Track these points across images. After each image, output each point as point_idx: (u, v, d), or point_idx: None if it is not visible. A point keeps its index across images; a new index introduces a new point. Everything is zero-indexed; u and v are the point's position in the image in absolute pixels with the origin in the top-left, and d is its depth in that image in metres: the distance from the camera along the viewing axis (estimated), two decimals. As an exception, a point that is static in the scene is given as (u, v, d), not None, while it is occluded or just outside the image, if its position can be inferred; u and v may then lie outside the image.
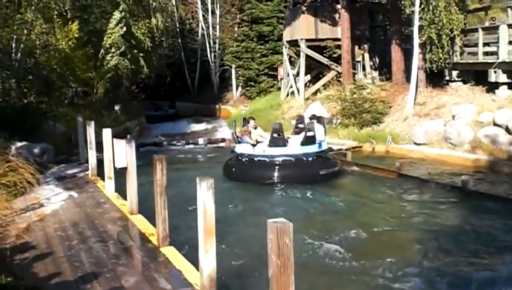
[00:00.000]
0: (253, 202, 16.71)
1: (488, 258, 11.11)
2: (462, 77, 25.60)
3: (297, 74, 34.82)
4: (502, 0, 28.07)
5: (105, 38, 30.36)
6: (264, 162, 18.89)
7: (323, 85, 34.18)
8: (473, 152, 20.94)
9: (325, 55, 33.67)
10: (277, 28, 41.26)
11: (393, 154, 23.37)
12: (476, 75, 24.61)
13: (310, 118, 20.44)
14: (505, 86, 22.53)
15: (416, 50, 25.56)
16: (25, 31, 23.04)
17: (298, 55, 34.76)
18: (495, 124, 21.05)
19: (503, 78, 22.45)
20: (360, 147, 25.08)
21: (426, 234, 12.83)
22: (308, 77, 35.60)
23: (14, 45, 22.80)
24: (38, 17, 23.84)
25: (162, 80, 55.77)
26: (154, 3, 37.73)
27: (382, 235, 12.91)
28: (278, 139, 19.10)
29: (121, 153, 12.60)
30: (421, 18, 24.84)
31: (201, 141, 28.73)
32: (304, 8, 33.30)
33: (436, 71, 25.63)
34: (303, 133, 19.36)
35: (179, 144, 28.39)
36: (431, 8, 24.17)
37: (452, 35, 24.79)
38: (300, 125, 20.14)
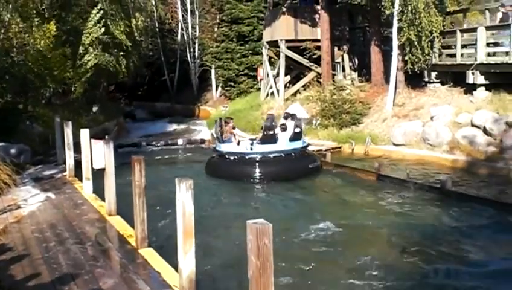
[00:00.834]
0: (236, 199, 16.91)
1: (459, 255, 11.31)
2: (440, 78, 25.77)
3: (277, 74, 34.84)
4: (480, 3, 28.29)
5: (83, 38, 30.12)
6: (255, 159, 19.24)
7: (303, 86, 34.22)
8: (451, 153, 21.05)
9: (304, 56, 33.69)
10: (257, 29, 41.22)
11: (372, 155, 23.41)
12: (454, 77, 24.78)
13: (285, 117, 20.91)
14: (483, 88, 22.69)
15: (395, 51, 25.66)
16: (2, 30, 22.82)
17: (278, 56, 34.76)
18: (473, 125, 21.19)
19: (480, 79, 22.60)
20: (340, 147, 25.10)
21: (400, 231, 12.93)
22: (288, 77, 35.61)
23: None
24: (15, 16, 23.62)
25: (141, 80, 55.55)
26: (133, 3, 37.57)
27: (357, 232, 13.02)
28: (271, 136, 19.37)
29: (99, 153, 12.54)
30: (400, 20, 24.93)
31: (180, 141, 28.65)
32: (284, 9, 33.32)
33: (415, 72, 25.76)
34: (288, 130, 19.86)
35: (158, 144, 28.24)
36: (410, 9, 24.27)
37: (432, 37, 24.91)
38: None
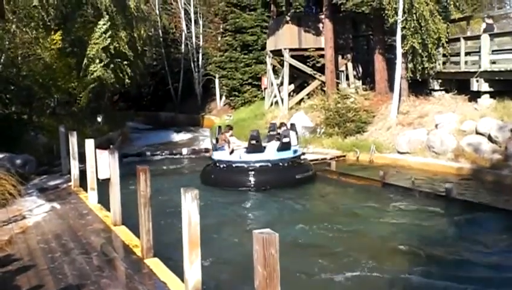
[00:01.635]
0: (231, 208, 16.84)
1: (464, 263, 11.28)
2: (444, 86, 25.73)
3: (281, 83, 34.83)
4: (483, 10, 28.29)
5: (89, 49, 30.15)
6: (242, 168, 19.48)
7: (307, 94, 34.22)
8: (456, 160, 21.01)
9: (308, 64, 33.72)
10: (261, 38, 41.26)
11: (377, 163, 23.40)
12: (459, 84, 24.74)
13: (279, 127, 21.35)
14: (487, 95, 22.66)
15: (399, 59, 25.64)
16: (7, 41, 22.88)
17: (282, 65, 34.81)
18: (477, 133, 21.16)
19: (485, 87, 22.57)
20: (344, 156, 25.10)
21: (404, 239, 12.86)
22: (292, 86, 35.62)
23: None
24: (21, 26, 23.70)
25: (145, 89, 55.67)
26: (137, 13, 37.63)
27: (361, 240, 12.99)
28: (256, 146, 19.65)
29: (104, 164, 12.53)
30: (404, 28, 24.92)
31: (185, 151, 28.62)
32: (288, 18, 33.36)
33: (419, 80, 25.75)
34: (274, 140, 20.28)
35: (163, 154, 28.23)
36: (415, 17, 24.27)
37: (437, 44, 24.90)
38: (273, 133, 20.89)
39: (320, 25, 32.53)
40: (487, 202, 15.64)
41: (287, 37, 33.34)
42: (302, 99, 34.35)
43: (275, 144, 20.01)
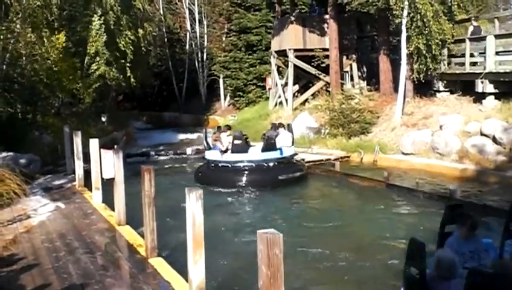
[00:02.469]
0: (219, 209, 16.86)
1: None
2: (449, 87, 25.67)
3: (286, 83, 34.86)
4: (488, 11, 28.24)
5: (88, 47, 30.13)
6: (227, 168, 19.90)
7: (312, 95, 34.24)
8: (461, 162, 20.98)
9: (313, 65, 33.72)
10: (265, 38, 41.27)
11: (381, 164, 23.38)
12: (463, 85, 24.67)
13: (277, 126, 21.35)
14: (492, 96, 22.60)
15: (404, 60, 25.62)
16: (11, 41, 22.90)
17: (286, 65, 34.82)
18: (482, 134, 21.13)
19: (490, 88, 22.51)
20: (348, 157, 25.08)
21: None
22: (297, 86, 35.62)
23: (0, 54, 22.66)
24: (25, 26, 23.71)
25: (150, 89, 55.69)
26: (142, 13, 37.64)
27: (364, 241, 13.00)
28: (239, 146, 19.98)
29: (109, 163, 12.56)
30: (408, 28, 24.90)
31: (189, 151, 28.62)
32: (292, 18, 33.37)
33: (423, 81, 25.70)
34: (283, 139, 20.44)
35: (167, 154, 28.26)
36: (419, 17, 24.24)
37: (442, 45, 24.87)
38: (272, 132, 20.80)
39: (325, 26, 32.52)
40: (491, 204, 15.62)
41: (292, 37, 33.35)
42: (306, 100, 34.35)
43: (261, 144, 20.43)
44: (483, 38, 23.29)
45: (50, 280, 8.76)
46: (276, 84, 35.94)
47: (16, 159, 18.36)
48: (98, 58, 30.50)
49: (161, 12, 54.51)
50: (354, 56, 33.36)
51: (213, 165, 20.33)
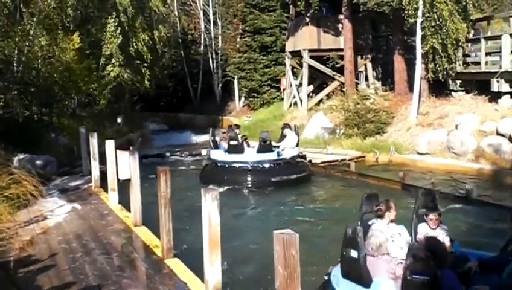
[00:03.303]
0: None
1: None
2: (464, 87, 25.57)
3: (300, 84, 34.83)
4: (503, 10, 28.09)
5: (103, 49, 30.22)
6: (225, 168, 20.30)
7: (327, 95, 34.20)
8: (476, 161, 20.90)
9: (327, 65, 33.69)
10: (279, 39, 41.19)
11: (396, 164, 23.33)
12: (479, 85, 24.57)
13: (283, 127, 21.69)
14: (508, 96, 22.52)
15: (419, 60, 25.55)
16: (27, 43, 23.02)
17: (301, 66, 34.79)
18: (498, 134, 21.03)
19: (505, 87, 22.43)
20: (364, 157, 25.07)
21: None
22: (311, 87, 35.60)
23: (15, 56, 22.78)
24: (40, 28, 23.82)
25: (164, 91, 55.84)
26: (156, 15, 37.72)
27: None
28: (235, 146, 20.26)
29: (124, 164, 12.60)
30: (423, 28, 24.82)
31: (204, 152, 28.59)
32: (307, 19, 33.34)
33: (439, 81, 25.61)
34: (287, 138, 20.82)
35: (182, 155, 28.30)
36: (435, 17, 24.15)
37: (457, 45, 24.76)
38: (262, 135, 20.88)
39: (340, 26, 32.46)
40: (508, 204, 15.53)
41: (306, 37, 33.33)
42: (321, 100, 34.33)
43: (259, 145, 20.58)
44: (499, 37, 23.19)
45: (67, 280, 8.80)
46: (291, 85, 35.91)
47: (32, 160, 18.44)
48: (113, 60, 30.58)
49: (176, 13, 54.62)
50: (368, 56, 33.28)
51: (214, 164, 20.83)
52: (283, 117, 34.60)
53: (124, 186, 13.40)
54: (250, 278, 10.67)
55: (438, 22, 24.29)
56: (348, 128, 27.56)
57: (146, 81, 35.46)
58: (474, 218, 14.65)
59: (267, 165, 20.01)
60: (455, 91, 25.90)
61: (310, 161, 22.95)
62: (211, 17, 52.59)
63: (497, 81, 22.60)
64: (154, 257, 10.00)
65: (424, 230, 8.67)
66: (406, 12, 25.12)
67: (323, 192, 19.77)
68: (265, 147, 20.27)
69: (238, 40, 49.30)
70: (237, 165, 20.13)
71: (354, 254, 6.95)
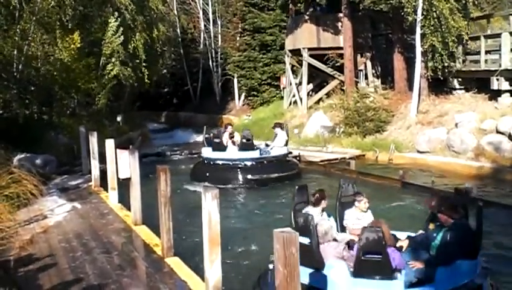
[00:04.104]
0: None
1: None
2: (464, 85, 25.55)
3: (300, 83, 34.83)
4: (503, 8, 28.07)
5: (104, 48, 30.21)
6: (209, 165, 20.85)
7: (326, 94, 34.19)
8: (476, 160, 20.90)
9: (327, 64, 33.68)
10: (279, 38, 41.14)
11: (396, 163, 23.33)
12: (479, 83, 24.55)
13: (274, 126, 21.85)
14: (508, 94, 22.51)
15: (419, 58, 25.53)
16: (26, 42, 23.01)
17: (301, 64, 34.78)
18: (498, 132, 21.02)
19: (505, 85, 22.42)
20: (363, 155, 25.08)
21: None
22: (311, 85, 35.59)
23: (15, 55, 22.78)
24: (39, 27, 23.81)
25: (164, 90, 55.84)
26: (155, 14, 37.69)
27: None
28: (218, 144, 20.70)
29: (124, 163, 12.61)
30: (423, 26, 24.81)
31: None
32: (306, 17, 33.34)
33: (439, 79, 25.60)
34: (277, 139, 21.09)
35: (182, 154, 28.29)
36: (435, 15, 24.14)
37: (458, 43, 24.75)
38: (243, 134, 21.24)
39: (339, 24, 32.40)
40: (508, 202, 15.54)
41: (306, 36, 33.32)
42: (321, 99, 34.33)
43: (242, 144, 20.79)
44: (499, 35, 23.19)
45: (67, 279, 8.82)
46: (291, 84, 35.89)
47: (32, 159, 18.46)
48: (113, 59, 30.57)
49: (175, 12, 54.60)
50: (368, 54, 33.24)
51: (203, 162, 21.43)
52: (283, 116, 34.63)
53: (124, 185, 13.40)
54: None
55: (437, 20, 24.28)
56: (347, 126, 27.57)
57: (146, 80, 35.45)
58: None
59: (248, 163, 20.21)
60: (455, 89, 25.88)
61: (299, 159, 23.39)
62: (211, 16, 52.57)
63: (497, 79, 22.57)
64: (154, 256, 10.01)
65: (353, 215, 9.52)
66: (405, 10, 25.10)
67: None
68: (246, 145, 20.48)
69: (238, 38, 49.28)
70: (220, 162, 20.53)
71: (306, 240, 7.42)
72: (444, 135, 22.98)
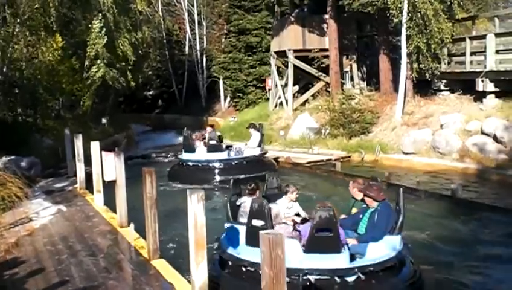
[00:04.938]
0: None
1: (468, 265, 11.19)
2: (449, 86, 25.66)
3: (286, 84, 34.80)
4: (488, 10, 28.21)
5: (88, 50, 30.07)
6: (182, 166, 21.29)
7: (312, 95, 34.18)
8: (462, 161, 21.01)
9: (313, 65, 33.70)
10: (265, 39, 41.16)
11: (382, 164, 23.41)
12: (464, 84, 24.65)
13: (248, 127, 22.11)
14: (493, 95, 22.60)
15: (404, 60, 25.61)
16: (10, 44, 22.88)
17: (286, 66, 34.76)
18: (483, 133, 21.14)
19: (490, 87, 22.50)
20: (349, 157, 25.11)
21: (408, 240, 12.84)
22: (297, 87, 35.56)
23: (-1, 57, 22.70)
24: (23, 29, 23.70)
25: (149, 92, 55.73)
26: (141, 16, 37.59)
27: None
28: (187, 145, 21.30)
29: (110, 166, 12.57)
30: (408, 27, 24.89)
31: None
32: (292, 19, 33.32)
33: (424, 80, 25.71)
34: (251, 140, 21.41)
35: (168, 156, 28.22)
36: (419, 16, 24.23)
37: (442, 45, 24.85)
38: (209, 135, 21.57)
39: (325, 26, 32.41)
40: (492, 203, 15.63)
41: (291, 38, 33.28)
42: (306, 101, 34.30)
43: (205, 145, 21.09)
44: (484, 37, 23.30)
45: (53, 282, 8.77)
46: (276, 85, 35.85)
47: (17, 162, 18.35)
48: (98, 61, 30.46)
49: (160, 14, 54.51)
50: (354, 56, 33.28)
51: (179, 163, 21.78)
52: (268, 117, 34.59)
53: (109, 187, 13.36)
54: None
55: (422, 22, 24.36)
56: (333, 128, 27.60)
57: (131, 82, 35.35)
58: (459, 217, 14.69)
59: (216, 165, 20.39)
60: (440, 91, 25.98)
61: (276, 160, 23.50)
62: (196, 18, 52.51)
63: (482, 81, 22.66)
64: (140, 258, 9.98)
65: (284, 204, 10.17)
66: (390, 12, 25.18)
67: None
68: (214, 146, 20.81)
69: (223, 40, 49.31)
70: (191, 163, 20.82)
71: (259, 223, 8.43)
72: (429, 136, 23.08)
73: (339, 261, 8.14)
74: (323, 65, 33.05)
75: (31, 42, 24.84)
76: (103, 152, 13.41)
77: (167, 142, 36.77)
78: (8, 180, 13.78)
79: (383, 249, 8.61)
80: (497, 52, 22.68)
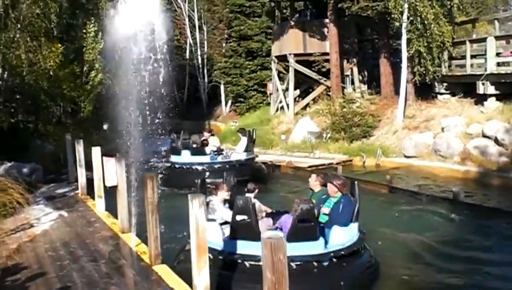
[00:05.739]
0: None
1: (469, 268, 11.13)
2: (450, 90, 25.67)
3: (287, 88, 34.83)
4: (488, 13, 28.21)
5: (86, 54, 30.03)
6: (170, 168, 21.77)
7: (313, 100, 34.20)
8: (463, 164, 20.98)
9: (313, 69, 33.71)
10: (265, 44, 41.17)
11: (383, 168, 23.37)
12: (465, 87, 24.66)
13: (239, 131, 22.63)
14: (493, 98, 22.60)
15: (405, 63, 25.64)
16: (11, 50, 22.87)
17: (287, 70, 34.78)
18: (484, 136, 21.13)
19: (491, 89, 22.52)
20: (351, 161, 25.10)
21: (411, 242, 12.82)
22: (298, 91, 35.60)
23: (0, 63, 22.65)
24: (24, 35, 23.69)
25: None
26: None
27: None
28: (174, 148, 21.90)
29: (111, 171, 12.56)
30: (409, 31, 24.91)
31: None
32: (292, 23, 33.37)
33: (425, 84, 25.71)
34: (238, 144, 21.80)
35: (163, 160, 28.18)
36: (420, 20, 24.24)
37: (443, 48, 24.86)
38: (192, 139, 22.15)
39: (325, 30, 32.46)
40: (494, 205, 15.61)
41: (292, 42, 33.33)
42: (307, 105, 34.33)
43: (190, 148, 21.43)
44: (484, 40, 23.30)
45: (54, 288, 8.75)
46: (277, 90, 35.87)
47: (19, 168, 18.33)
48: (96, 65, 30.43)
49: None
50: (354, 60, 33.31)
51: (170, 165, 22.12)
52: (270, 122, 34.61)
53: (110, 193, 13.34)
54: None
55: (422, 25, 24.37)
56: (334, 132, 27.60)
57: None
58: (461, 220, 14.67)
59: (199, 168, 20.45)
60: (441, 94, 25.99)
61: (274, 165, 24.24)
62: (196, 23, 52.57)
63: (483, 84, 22.67)
64: (142, 264, 9.95)
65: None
66: (391, 16, 25.19)
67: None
68: (197, 150, 21.03)
69: (224, 45, 49.29)
70: (177, 166, 21.24)
71: (244, 218, 9.26)
72: (431, 140, 23.07)
73: (316, 247, 9.24)
74: (324, 69, 33.05)
75: (31, 48, 24.82)
76: (104, 157, 13.40)
77: (169, 146, 36.72)
78: (10, 186, 13.74)
79: (349, 235, 9.89)
80: (497, 54, 22.69)
